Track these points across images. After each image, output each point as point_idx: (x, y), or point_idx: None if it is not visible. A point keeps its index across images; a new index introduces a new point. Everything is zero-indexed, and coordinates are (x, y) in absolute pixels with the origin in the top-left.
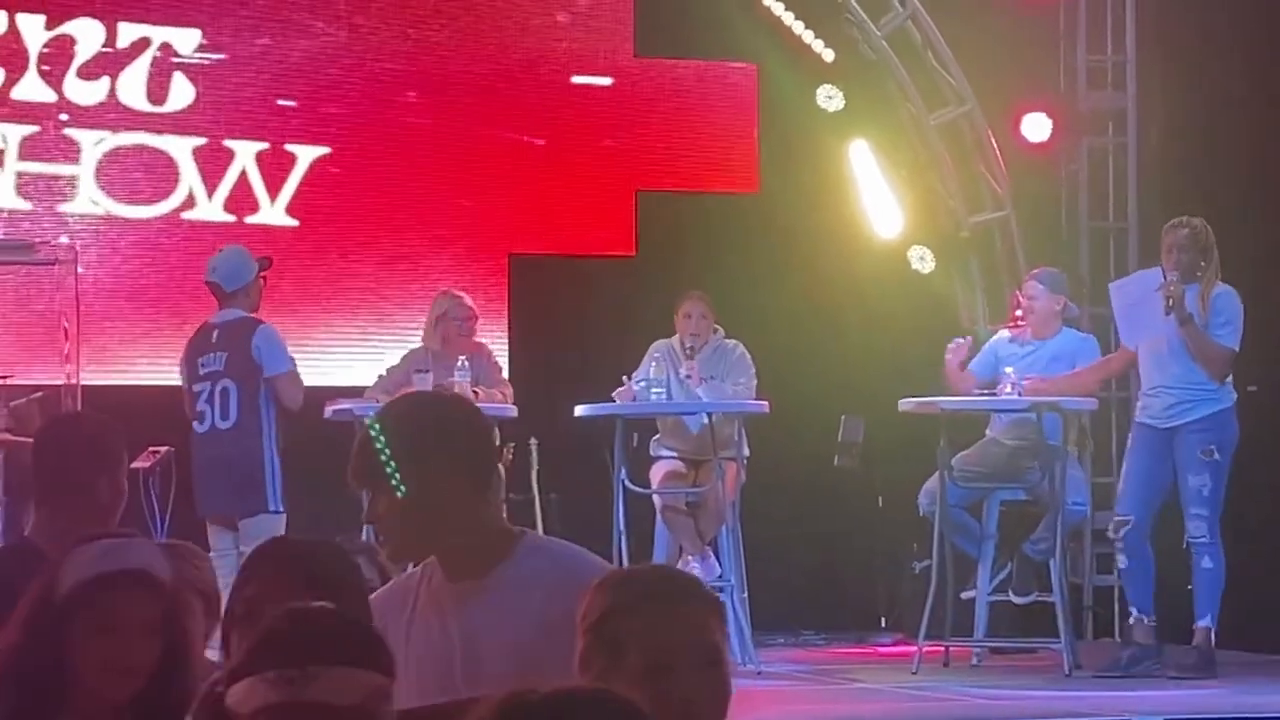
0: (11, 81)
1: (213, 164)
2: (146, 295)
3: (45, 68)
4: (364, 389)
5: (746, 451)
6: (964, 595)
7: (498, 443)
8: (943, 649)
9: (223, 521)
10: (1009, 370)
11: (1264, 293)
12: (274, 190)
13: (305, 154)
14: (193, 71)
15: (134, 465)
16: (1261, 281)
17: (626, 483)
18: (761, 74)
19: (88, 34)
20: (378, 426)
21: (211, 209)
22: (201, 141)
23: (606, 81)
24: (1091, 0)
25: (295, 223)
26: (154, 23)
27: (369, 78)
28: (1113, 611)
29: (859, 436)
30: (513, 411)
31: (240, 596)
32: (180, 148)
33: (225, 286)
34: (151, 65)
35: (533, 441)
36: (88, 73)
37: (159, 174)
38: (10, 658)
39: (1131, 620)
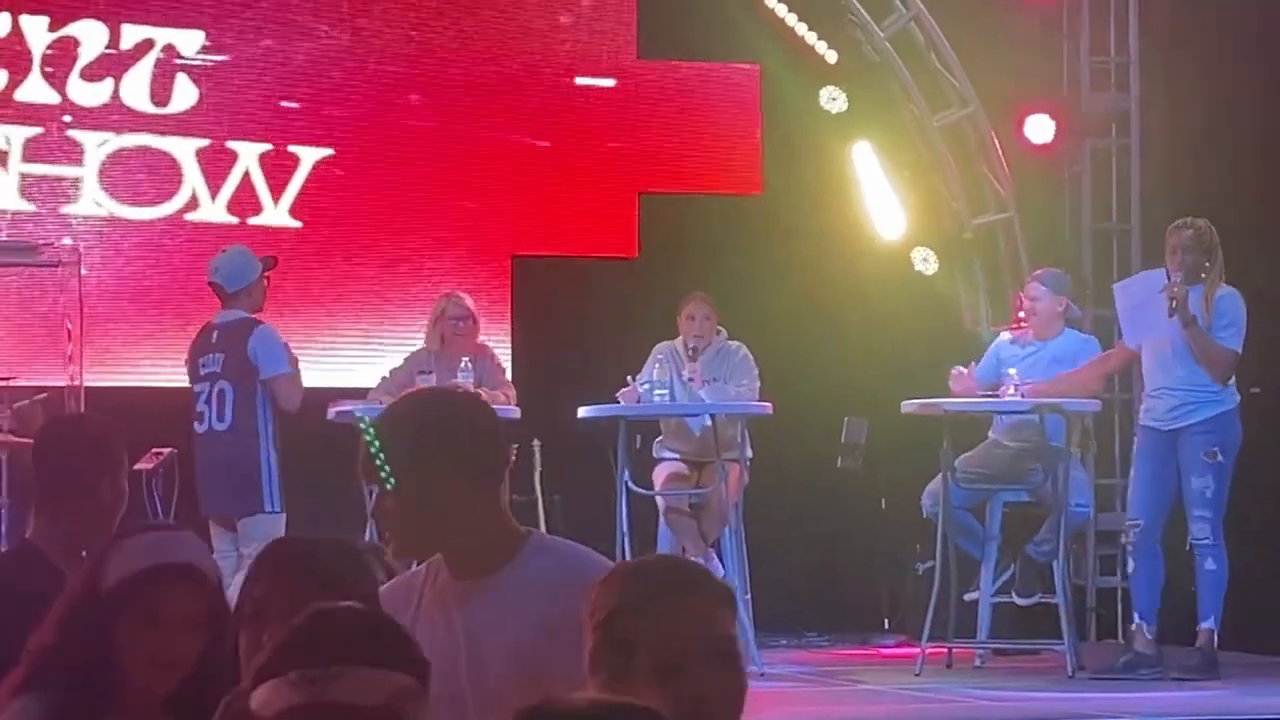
0: (15, 83)
1: (216, 165)
2: (150, 297)
3: (49, 69)
4: (367, 390)
5: (749, 453)
6: (967, 597)
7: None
8: (946, 650)
9: (223, 522)
10: (1012, 371)
11: (1267, 294)
12: (277, 192)
13: (308, 156)
14: (196, 73)
15: (137, 467)
16: (1265, 283)
17: (630, 484)
18: (764, 75)
19: (91, 35)
20: (381, 422)
21: (215, 210)
22: (205, 143)
23: (609, 83)
24: (1095, 1)
25: (298, 224)
26: (157, 24)
27: (372, 80)
28: (1116, 613)
29: (862, 438)
30: (516, 413)
31: (249, 596)
32: (183, 149)
33: (227, 287)
34: (155, 67)
35: (535, 443)
36: (91, 74)
37: (162, 175)
38: (55, 653)
39: (1133, 626)
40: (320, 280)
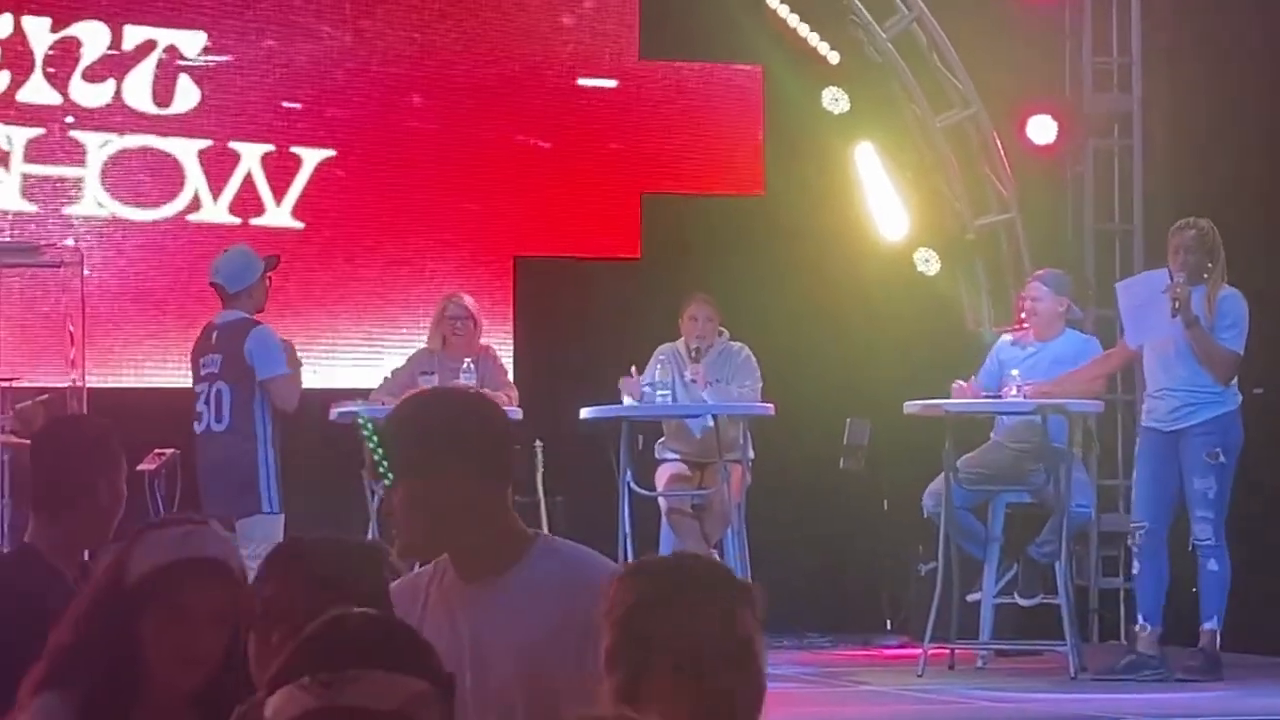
0: (17, 84)
1: (218, 166)
2: (152, 297)
3: (51, 70)
4: (369, 391)
5: (751, 454)
6: (969, 598)
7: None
8: (948, 651)
9: (223, 523)
10: (1014, 372)
11: (1270, 295)
12: (279, 193)
13: (310, 157)
14: (198, 74)
15: (139, 468)
16: (1268, 284)
17: (632, 485)
18: (767, 76)
19: (93, 36)
20: (392, 420)
21: (217, 211)
22: (207, 144)
23: (611, 84)
24: (1097, 2)
25: (300, 225)
26: (159, 25)
27: (374, 81)
28: (1119, 614)
29: (864, 439)
30: (518, 414)
31: (258, 596)
32: (186, 150)
33: (228, 288)
34: (157, 68)
35: (538, 444)
36: (93, 75)
37: (164, 176)
38: (77, 648)
39: (1136, 627)
40: (322, 281)
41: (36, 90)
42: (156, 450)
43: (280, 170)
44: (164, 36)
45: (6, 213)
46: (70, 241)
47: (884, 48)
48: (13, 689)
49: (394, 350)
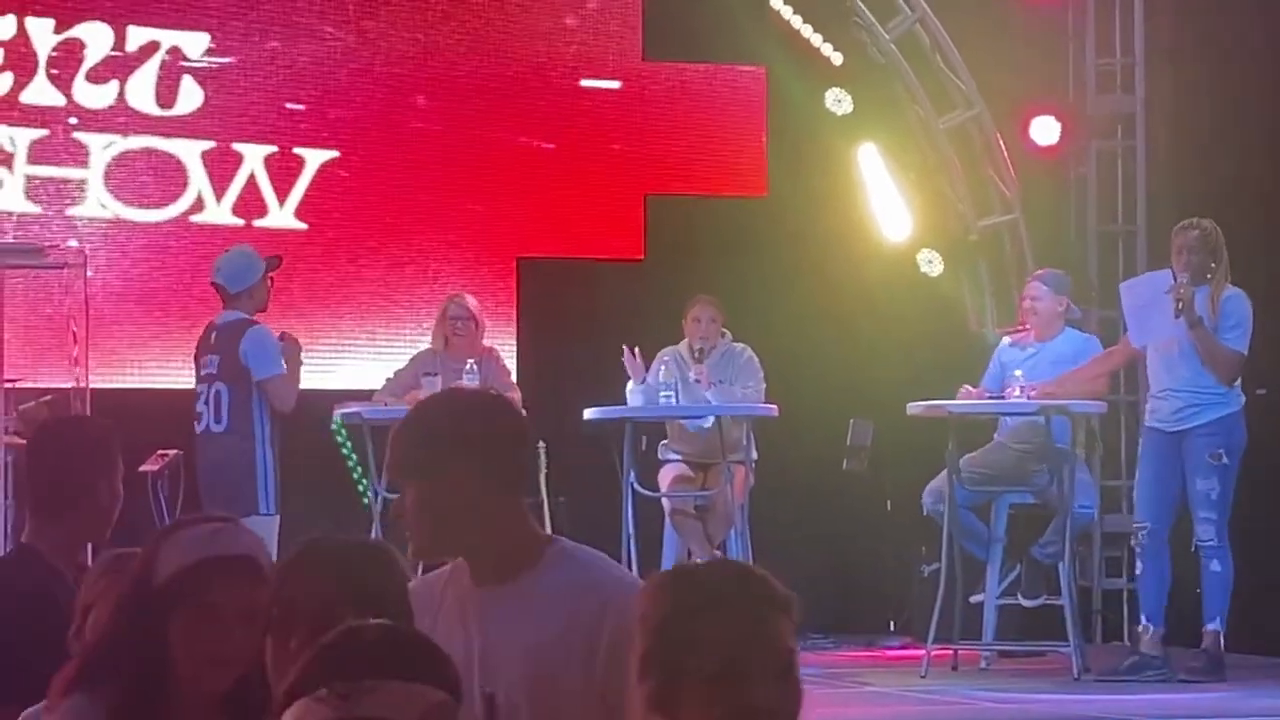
0: (21, 85)
1: (221, 167)
2: (155, 298)
3: (54, 71)
4: (373, 392)
5: (755, 455)
6: (972, 599)
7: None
8: (951, 652)
9: None
10: (1018, 373)
11: (1272, 295)
12: (283, 194)
13: (314, 158)
14: (201, 75)
15: (143, 469)
16: (1269, 284)
17: (635, 486)
18: (770, 77)
19: (97, 38)
20: (412, 420)
21: (220, 212)
22: (210, 145)
23: (615, 85)
24: (1100, 3)
25: (304, 226)
26: (162, 26)
27: (377, 81)
28: (1122, 615)
29: (867, 440)
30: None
31: (275, 599)
32: (189, 151)
33: (229, 288)
34: (160, 69)
35: (541, 445)
36: (97, 76)
37: (168, 177)
38: (107, 649)
39: (1139, 628)
40: (326, 282)
41: (40, 92)
42: (159, 451)
43: (283, 171)
44: (167, 38)
45: (10, 214)
46: (74, 243)
47: (887, 49)
48: (13, 688)
49: (398, 351)
